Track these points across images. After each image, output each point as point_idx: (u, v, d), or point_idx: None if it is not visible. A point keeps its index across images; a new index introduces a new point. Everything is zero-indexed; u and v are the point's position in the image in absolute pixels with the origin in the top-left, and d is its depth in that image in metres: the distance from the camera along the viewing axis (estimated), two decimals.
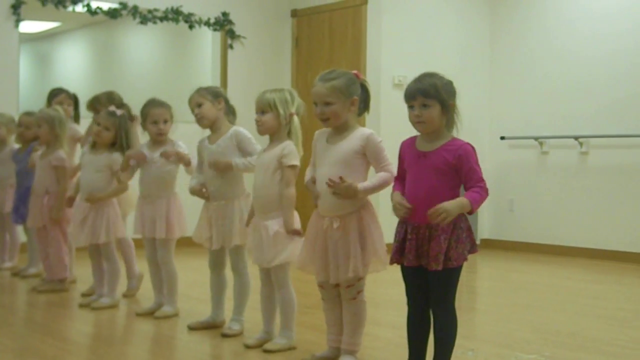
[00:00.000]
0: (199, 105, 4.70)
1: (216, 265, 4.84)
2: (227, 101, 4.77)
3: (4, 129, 7.10)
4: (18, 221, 6.84)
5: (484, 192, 3.39)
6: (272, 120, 4.18)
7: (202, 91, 4.73)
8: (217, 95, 4.72)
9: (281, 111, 4.16)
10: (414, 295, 3.54)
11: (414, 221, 3.42)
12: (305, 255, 3.90)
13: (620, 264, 8.01)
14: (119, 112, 5.45)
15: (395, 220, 3.55)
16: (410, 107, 3.45)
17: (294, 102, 4.20)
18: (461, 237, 3.40)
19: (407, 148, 3.53)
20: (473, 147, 3.44)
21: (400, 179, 3.57)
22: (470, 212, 3.38)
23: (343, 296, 3.85)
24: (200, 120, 4.71)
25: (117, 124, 5.44)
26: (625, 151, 8.26)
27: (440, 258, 3.35)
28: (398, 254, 3.48)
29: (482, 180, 3.40)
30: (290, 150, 4.13)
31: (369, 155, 3.72)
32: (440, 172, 3.39)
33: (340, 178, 3.63)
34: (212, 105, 4.69)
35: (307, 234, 3.92)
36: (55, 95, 6.70)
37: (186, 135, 5.41)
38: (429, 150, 3.43)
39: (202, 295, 5.26)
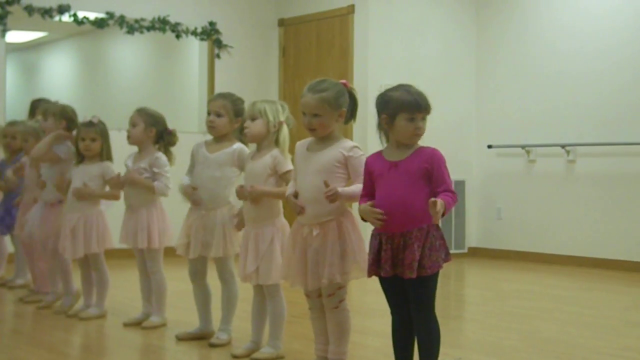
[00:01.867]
0: (218, 115, 4.67)
1: (196, 275, 4.82)
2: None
3: None
4: (4, 232, 6.82)
5: (454, 198, 3.39)
6: (260, 126, 4.22)
7: (227, 103, 4.66)
8: (238, 114, 4.67)
9: (270, 118, 4.20)
10: (395, 304, 3.54)
11: (388, 231, 3.42)
12: (286, 265, 3.91)
13: (608, 271, 8.04)
14: (95, 119, 5.44)
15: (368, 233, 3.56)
16: (412, 119, 3.43)
17: (284, 112, 4.24)
18: (434, 245, 3.40)
19: (375, 162, 3.51)
20: (441, 153, 3.46)
21: (366, 196, 3.54)
22: (443, 214, 3.35)
23: (325, 306, 3.85)
24: (211, 130, 4.71)
25: (100, 132, 5.43)
26: (612, 159, 8.30)
27: (414, 266, 3.35)
28: (375, 265, 3.47)
29: (451, 185, 3.42)
30: (281, 157, 4.15)
31: (350, 167, 3.73)
32: (414, 179, 3.39)
33: (325, 183, 3.66)
34: (229, 123, 4.66)
35: (288, 244, 3.93)
36: (38, 105, 6.69)
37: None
38: (401, 159, 3.43)
39: (189, 305, 5.24)
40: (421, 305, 3.45)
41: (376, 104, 3.49)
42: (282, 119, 4.21)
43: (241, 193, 4.28)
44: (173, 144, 5.21)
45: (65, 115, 5.74)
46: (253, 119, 4.23)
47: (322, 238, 3.72)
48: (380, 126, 3.50)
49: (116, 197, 5.44)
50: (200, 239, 4.64)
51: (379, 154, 3.52)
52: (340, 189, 3.67)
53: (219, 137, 4.71)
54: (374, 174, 3.50)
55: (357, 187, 3.66)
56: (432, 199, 3.28)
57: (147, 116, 5.15)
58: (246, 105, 4.47)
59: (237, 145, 4.63)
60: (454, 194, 3.40)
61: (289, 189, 3.93)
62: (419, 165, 3.40)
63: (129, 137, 5.16)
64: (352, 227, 3.75)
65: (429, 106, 3.44)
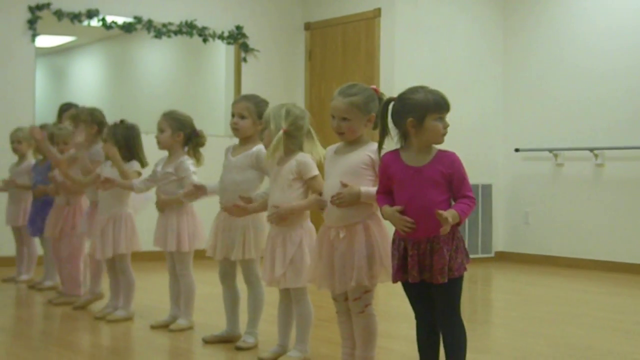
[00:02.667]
0: (242, 117, 4.69)
1: (225, 278, 4.84)
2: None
3: (24, 143, 7.16)
4: (35, 234, 6.89)
5: (472, 204, 3.39)
6: (266, 135, 4.26)
7: (250, 105, 4.69)
8: (261, 116, 4.67)
9: (272, 127, 4.18)
10: (420, 309, 3.53)
11: (414, 237, 3.41)
12: (313, 268, 3.92)
13: (637, 276, 7.97)
14: (115, 122, 5.50)
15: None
16: (440, 118, 3.43)
17: (287, 118, 4.17)
18: (460, 247, 3.41)
19: (393, 163, 3.48)
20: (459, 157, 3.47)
21: (383, 193, 3.54)
22: (459, 224, 3.37)
23: (351, 310, 3.84)
24: (235, 132, 4.74)
25: (111, 134, 5.47)
26: None
27: (446, 270, 3.35)
28: (401, 271, 3.46)
29: (471, 190, 3.42)
30: (305, 161, 4.13)
31: (377, 169, 3.74)
32: (437, 184, 3.39)
33: (341, 183, 3.67)
34: (253, 125, 4.68)
35: (315, 247, 3.93)
36: (66, 109, 6.78)
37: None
38: (423, 164, 3.42)
39: (217, 308, 5.27)
40: (448, 309, 3.44)
41: (396, 109, 3.46)
42: (284, 126, 4.17)
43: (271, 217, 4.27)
44: (202, 144, 5.25)
45: (95, 120, 5.81)
46: (265, 126, 4.27)
47: (349, 241, 3.72)
48: (400, 130, 3.46)
49: (130, 187, 5.44)
50: (225, 241, 4.66)
51: (396, 156, 3.48)
52: (363, 189, 3.67)
53: (244, 140, 4.73)
54: (394, 177, 3.47)
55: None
56: (438, 211, 3.28)
57: (173, 121, 5.19)
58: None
59: (257, 147, 4.64)
60: (472, 199, 3.40)
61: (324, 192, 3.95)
62: (442, 171, 3.39)
63: (158, 143, 5.21)
64: (379, 231, 3.75)
65: (450, 105, 3.46)
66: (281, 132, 4.14)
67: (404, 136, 3.46)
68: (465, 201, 3.37)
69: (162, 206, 5.24)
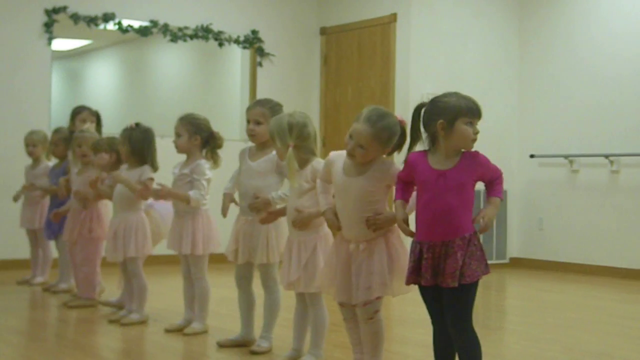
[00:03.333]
0: (258, 123, 4.69)
1: (242, 281, 4.84)
2: None
3: (39, 146, 7.20)
4: (50, 237, 6.92)
5: (502, 178, 3.50)
6: (278, 151, 4.31)
7: (265, 110, 4.67)
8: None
9: (279, 145, 4.20)
10: (435, 313, 3.52)
11: (429, 240, 3.41)
12: (325, 277, 3.91)
13: None
14: (130, 125, 5.51)
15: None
16: (471, 123, 3.43)
17: (292, 134, 4.16)
18: (475, 254, 3.38)
19: (419, 163, 3.46)
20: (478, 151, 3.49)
21: (401, 190, 3.55)
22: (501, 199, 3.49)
23: (360, 316, 3.82)
24: (252, 138, 4.73)
25: (127, 137, 5.49)
26: None
27: (457, 275, 3.34)
28: (415, 274, 3.46)
29: (497, 169, 3.50)
30: (320, 168, 4.13)
31: (394, 185, 3.72)
32: (462, 188, 3.39)
33: (373, 217, 3.67)
34: (266, 128, 4.64)
35: (329, 256, 3.92)
36: (78, 112, 6.79)
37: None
38: (449, 167, 3.41)
39: (231, 312, 5.27)
40: (458, 317, 3.42)
41: (427, 111, 3.45)
42: (291, 142, 4.16)
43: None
44: (219, 147, 5.24)
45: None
46: (273, 142, 4.30)
47: (369, 252, 3.71)
48: (429, 133, 3.44)
49: (135, 191, 5.45)
50: (248, 245, 4.67)
51: (423, 157, 3.46)
52: (406, 214, 3.61)
53: (261, 144, 4.73)
54: (418, 178, 3.47)
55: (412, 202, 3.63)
56: (482, 225, 3.36)
57: (190, 125, 5.19)
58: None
59: (275, 154, 4.62)
60: (499, 177, 3.49)
61: (321, 201, 3.93)
62: (470, 174, 3.39)
63: (176, 147, 5.23)
64: (398, 243, 3.74)
65: (481, 112, 3.46)
66: (290, 149, 4.13)
67: (432, 139, 3.44)
68: (497, 183, 3.47)
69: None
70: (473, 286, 3.41)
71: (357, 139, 3.63)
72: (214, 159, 5.22)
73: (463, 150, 3.44)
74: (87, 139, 6.13)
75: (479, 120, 3.45)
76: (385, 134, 3.63)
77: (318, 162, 4.15)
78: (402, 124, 3.71)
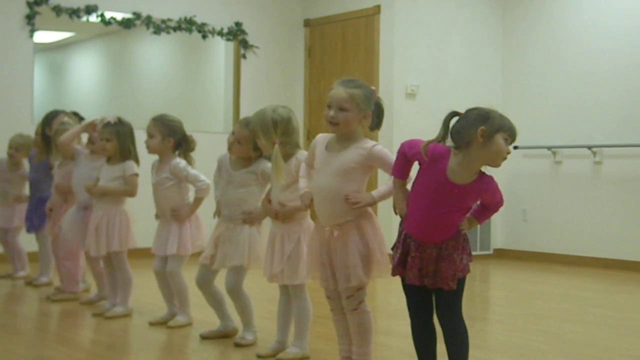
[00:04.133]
0: (239, 142, 4.59)
1: (204, 283, 4.80)
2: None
3: (22, 151, 7.11)
4: (30, 230, 6.89)
5: (497, 209, 3.47)
6: (262, 147, 4.28)
7: (249, 125, 4.51)
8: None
9: (263, 141, 4.18)
10: (417, 309, 3.51)
11: (419, 238, 3.39)
12: (310, 264, 3.91)
13: (635, 274, 7.98)
14: (112, 120, 5.47)
15: (392, 230, 3.55)
16: (507, 140, 3.42)
17: (277, 130, 4.15)
18: (466, 249, 3.40)
19: (440, 163, 3.35)
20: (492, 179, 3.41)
21: (405, 161, 3.45)
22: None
23: (345, 307, 3.82)
24: (232, 150, 4.67)
25: (115, 133, 5.46)
26: (639, 160, 8.23)
27: (456, 277, 3.34)
28: (401, 266, 3.45)
29: (499, 202, 3.46)
30: (303, 158, 4.13)
31: (378, 166, 3.72)
32: (466, 201, 3.37)
33: (345, 196, 3.66)
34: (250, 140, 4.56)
35: (310, 244, 3.93)
36: (53, 117, 6.57)
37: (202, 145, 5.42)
38: (461, 183, 3.32)
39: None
40: (450, 309, 3.43)
41: (468, 116, 3.39)
42: (276, 139, 4.15)
43: (268, 211, 4.29)
44: (191, 149, 5.22)
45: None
46: (255, 137, 4.26)
47: (343, 239, 3.71)
48: (464, 138, 3.32)
49: (130, 193, 5.47)
50: (225, 251, 4.63)
51: (446, 158, 3.34)
52: (375, 194, 3.65)
53: (242, 156, 4.66)
54: (431, 177, 3.35)
55: (390, 187, 3.63)
56: (463, 227, 3.38)
57: (163, 127, 5.14)
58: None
59: (260, 164, 4.58)
60: (496, 210, 3.46)
61: (301, 183, 3.92)
62: (476, 196, 3.37)
63: (147, 148, 5.18)
64: (372, 229, 3.73)
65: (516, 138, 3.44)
66: (276, 146, 4.12)
67: (466, 145, 3.31)
68: (487, 213, 3.46)
69: (104, 192, 5.43)
70: (463, 279, 3.42)
71: (336, 103, 3.67)
72: (187, 160, 5.19)
73: (482, 170, 3.37)
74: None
75: (512, 144, 3.42)
76: (361, 92, 3.69)
77: (302, 154, 4.15)
78: (374, 93, 3.77)
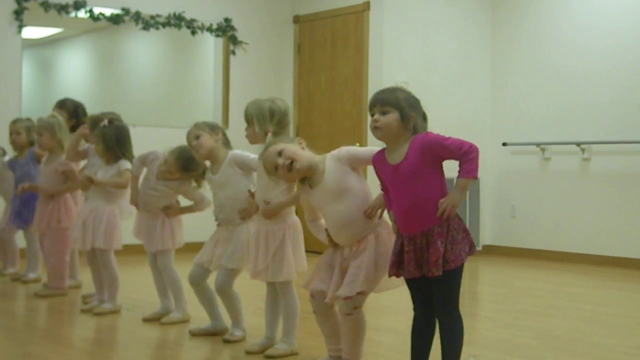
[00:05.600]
0: (197, 137, 4.64)
1: (195, 279, 4.79)
2: (224, 133, 4.71)
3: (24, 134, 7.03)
4: (21, 226, 6.86)
5: (473, 155, 3.31)
6: (250, 133, 4.28)
7: (199, 125, 4.67)
8: (214, 128, 4.68)
9: (257, 129, 4.19)
10: (420, 302, 3.53)
11: (408, 232, 3.41)
12: (313, 278, 3.87)
13: (623, 270, 8.00)
14: (102, 123, 5.48)
15: None
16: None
17: (273, 119, 4.18)
18: (457, 238, 3.38)
19: (379, 164, 3.50)
20: (432, 132, 3.41)
21: (386, 193, 3.55)
22: (475, 178, 3.34)
23: (339, 309, 3.80)
24: (198, 151, 4.67)
25: (100, 135, 5.46)
26: (628, 157, 8.26)
27: (440, 263, 3.34)
28: (395, 267, 3.47)
29: (462, 145, 3.32)
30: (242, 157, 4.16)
31: (356, 164, 3.72)
32: (419, 176, 3.36)
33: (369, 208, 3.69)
34: (210, 137, 4.63)
35: (320, 261, 3.88)
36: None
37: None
38: (398, 161, 3.39)
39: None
40: (445, 301, 3.44)
41: (412, 101, 3.46)
42: (271, 128, 4.17)
43: (252, 206, 4.29)
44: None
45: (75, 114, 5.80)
46: (248, 124, 4.25)
47: (363, 245, 3.70)
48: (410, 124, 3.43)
49: (120, 185, 5.48)
50: (222, 252, 4.63)
51: (382, 155, 3.49)
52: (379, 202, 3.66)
53: (212, 158, 4.67)
54: (381, 176, 3.51)
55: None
56: (438, 213, 3.34)
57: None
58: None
59: (229, 155, 4.59)
60: (468, 152, 3.30)
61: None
62: (420, 161, 3.35)
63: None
64: (388, 238, 3.70)
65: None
66: (269, 134, 4.13)
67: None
68: (465, 161, 3.31)
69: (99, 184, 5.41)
70: (458, 270, 3.42)
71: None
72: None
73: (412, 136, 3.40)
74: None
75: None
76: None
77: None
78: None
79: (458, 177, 3.35)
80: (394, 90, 3.47)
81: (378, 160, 3.50)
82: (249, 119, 4.24)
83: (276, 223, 4.20)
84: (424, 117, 3.49)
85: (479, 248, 9.23)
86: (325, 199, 3.73)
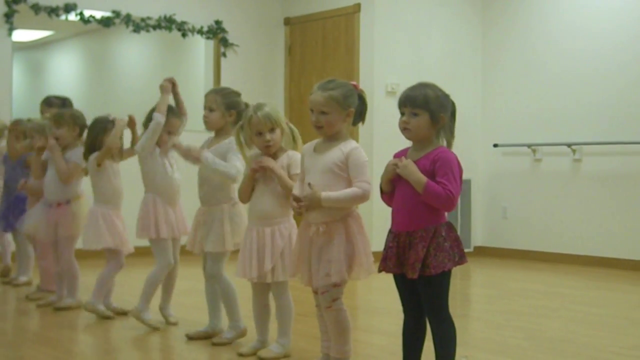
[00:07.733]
0: (211, 110, 4.65)
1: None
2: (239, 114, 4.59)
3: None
4: (7, 229, 6.81)
5: (444, 193, 3.32)
6: (279, 136, 4.25)
7: (218, 97, 4.65)
8: (230, 107, 4.66)
9: (284, 126, 4.23)
10: (407, 303, 3.54)
11: (395, 229, 3.45)
12: (294, 262, 3.92)
13: (614, 270, 8.03)
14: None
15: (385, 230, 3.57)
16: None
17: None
18: (442, 246, 3.38)
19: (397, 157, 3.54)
20: (455, 156, 3.42)
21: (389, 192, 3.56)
22: (420, 192, 3.34)
23: (320, 303, 3.84)
24: (205, 124, 4.71)
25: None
26: (618, 158, 8.29)
27: (417, 266, 3.35)
28: (384, 261, 3.49)
29: (451, 189, 3.34)
30: (295, 159, 4.13)
31: (349, 167, 3.72)
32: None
33: (308, 184, 3.69)
34: (222, 117, 4.65)
35: (296, 242, 3.94)
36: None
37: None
38: (415, 159, 3.43)
39: (198, 303, 5.25)
40: (433, 305, 3.46)
41: (442, 101, 3.45)
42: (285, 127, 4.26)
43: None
44: None
45: (78, 123, 5.77)
46: (272, 129, 4.16)
47: (328, 236, 3.72)
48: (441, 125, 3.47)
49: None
50: (202, 234, 4.64)
51: (403, 153, 3.52)
52: (324, 195, 3.66)
53: (217, 132, 4.71)
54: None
55: (346, 193, 3.65)
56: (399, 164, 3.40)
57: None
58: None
59: (229, 140, 4.59)
60: (446, 189, 3.33)
61: (294, 190, 3.93)
62: (423, 168, 3.39)
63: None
64: (358, 229, 3.75)
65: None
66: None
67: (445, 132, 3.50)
68: (441, 184, 3.34)
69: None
70: (444, 277, 3.43)
71: (317, 107, 3.73)
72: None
73: (437, 145, 3.45)
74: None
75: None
76: (339, 92, 3.73)
77: (294, 154, 4.19)
78: (356, 88, 3.80)
79: (427, 180, 3.35)
80: (424, 88, 3.46)
81: (398, 156, 3.51)
82: (275, 120, 4.17)
83: (281, 222, 4.18)
84: (453, 114, 3.51)
85: (470, 249, 9.25)
86: (316, 167, 3.78)
